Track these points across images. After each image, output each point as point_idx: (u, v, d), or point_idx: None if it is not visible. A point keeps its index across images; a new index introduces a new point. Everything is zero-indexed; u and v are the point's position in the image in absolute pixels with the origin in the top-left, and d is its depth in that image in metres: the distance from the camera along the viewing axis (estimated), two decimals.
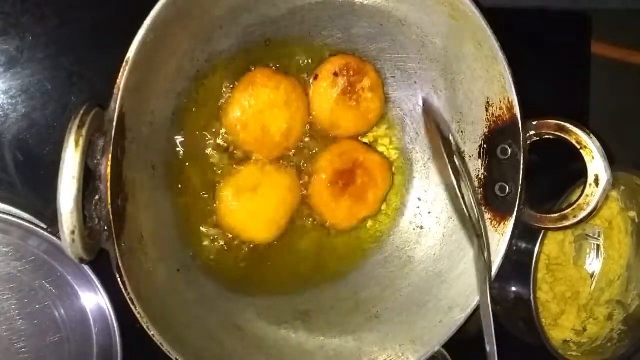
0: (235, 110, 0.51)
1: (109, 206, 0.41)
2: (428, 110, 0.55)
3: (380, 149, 0.58)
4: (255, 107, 0.51)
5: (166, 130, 0.50)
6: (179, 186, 0.51)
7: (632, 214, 0.70)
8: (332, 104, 0.53)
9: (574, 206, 0.49)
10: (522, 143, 0.49)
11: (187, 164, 0.52)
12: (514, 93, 0.48)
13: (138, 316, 0.42)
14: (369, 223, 0.58)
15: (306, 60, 0.53)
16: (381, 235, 0.58)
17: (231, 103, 0.51)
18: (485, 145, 0.52)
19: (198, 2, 0.45)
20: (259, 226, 0.53)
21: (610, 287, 0.71)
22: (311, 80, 0.53)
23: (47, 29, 0.55)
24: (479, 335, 0.70)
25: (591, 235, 0.71)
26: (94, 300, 0.55)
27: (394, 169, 0.58)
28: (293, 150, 0.54)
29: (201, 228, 0.52)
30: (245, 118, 0.51)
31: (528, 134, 0.49)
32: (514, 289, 0.62)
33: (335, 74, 0.52)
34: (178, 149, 0.51)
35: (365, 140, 0.57)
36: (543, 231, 0.59)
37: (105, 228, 0.41)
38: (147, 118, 0.47)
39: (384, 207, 0.58)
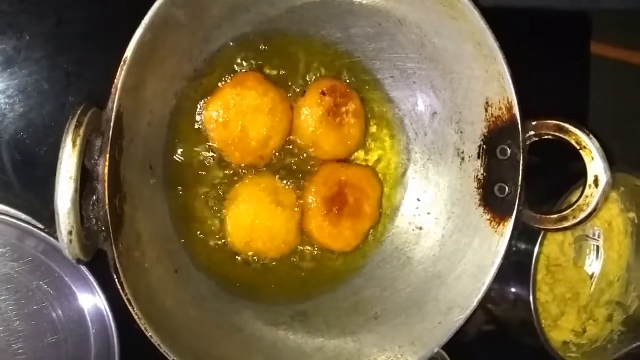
0: (219, 105, 0.50)
1: (107, 207, 0.41)
2: None
3: (380, 149, 0.58)
4: (240, 108, 0.50)
5: (164, 130, 0.49)
6: (177, 186, 0.51)
7: (632, 215, 0.70)
8: (316, 122, 0.53)
9: (574, 207, 0.48)
10: (521, 143, 0.49)
11: (185, 164, 0.51)
12: (514, 93, 0.48)
13: (136, 317, 0.42)
14: None
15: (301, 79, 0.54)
16: (380, 236, 0.58)
17: (217, 98, 0.51)
18: (484, 146, 0.52)
19: (197, 2, 0.45)
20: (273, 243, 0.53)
21: (610, 288, 0.70)
22: (299, 97, 0.54)
23: (44, 28, 0.55)
24: (478, 337, 0.70)
25: (591, 236, 0.70)
26: (91, 301, 0.54)
27: (393, 169, 0.58)
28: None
29: (199, 229, 0.52)
30: (228, 116, 0.50)
31: (527, 135, 0.49)
32: (513, 290, 0.61)
33: (323, 93, 0.53)
34: (176, 149, 0.51)
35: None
36: (543, 232, 0.59)
37: (103, 229, 0.41)
38: (145, 118, 0.46)
39: (383, 207, 0.58)
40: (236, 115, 0.51)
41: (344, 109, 0.54)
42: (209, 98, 0.51)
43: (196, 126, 0.51)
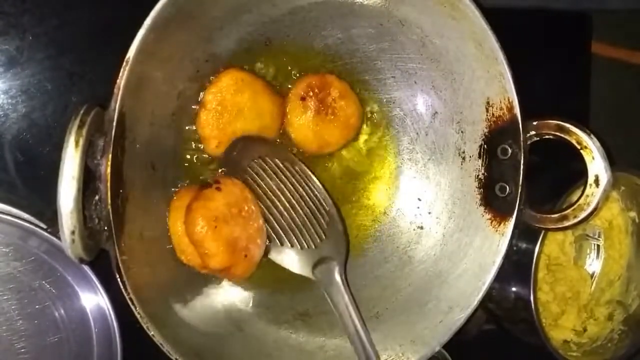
0: (233, 80, 0.50)
1: (109, 206, 0.41)
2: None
3: (381, 149, 0.58)
4: (248, 100, 0.50)
5: (166, 130, 0.50)
6: (179, 186, 0.51)
7: (632, 214, 0.70)
8: (311, 127, 0.53)
9: (574, 206, 0.49)
10: (522, 143, 0.49)
11: (187, 164, 0.52)
12: (514, 93, 0.48)
13: (138, 316, 0.43)
14: (369, 222, 0.58)
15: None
16: (381, 235, 0.58)
17: (231, 76, 0.50)
18: (485, 145, 0.52)
19: (198, 2, 0.45)
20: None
21: (610, 287, 0.71)
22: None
23: (47, 29, 0.55)
24: (479, 336, 0.70)
25: (591, 235, 0.71)
26: (94, 300, 0.54)
27: (393, 168, 0.58)
28: None
29: None
30: (237, 96, 0.50)
31: (528, 134, 0.49)
32: (514, 289, 0.62)
33: (303, 98, 0.53)
34: (178, 149, 0.51)
35: (365, 139, 0.58)
36: (543, 231, 0.59)
37: (105, 228, 0.41)
38: (147, 118, 0.47)
39: (384, 206, 0.58)
40: (243, 101, 0.50)
41: (329, 98, 0.53)
42: (225, 70, 0.50)
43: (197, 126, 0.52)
